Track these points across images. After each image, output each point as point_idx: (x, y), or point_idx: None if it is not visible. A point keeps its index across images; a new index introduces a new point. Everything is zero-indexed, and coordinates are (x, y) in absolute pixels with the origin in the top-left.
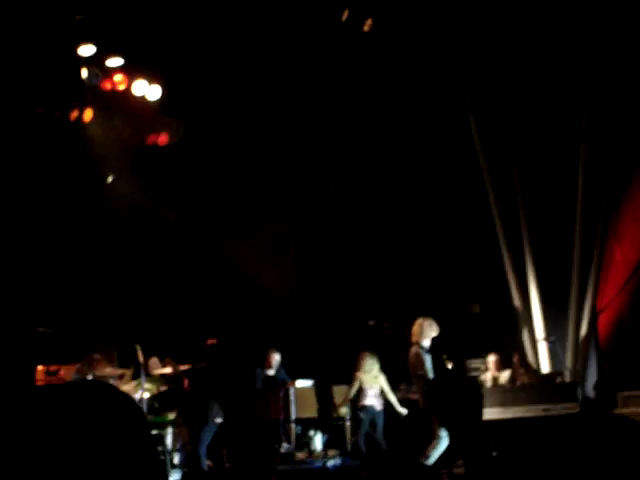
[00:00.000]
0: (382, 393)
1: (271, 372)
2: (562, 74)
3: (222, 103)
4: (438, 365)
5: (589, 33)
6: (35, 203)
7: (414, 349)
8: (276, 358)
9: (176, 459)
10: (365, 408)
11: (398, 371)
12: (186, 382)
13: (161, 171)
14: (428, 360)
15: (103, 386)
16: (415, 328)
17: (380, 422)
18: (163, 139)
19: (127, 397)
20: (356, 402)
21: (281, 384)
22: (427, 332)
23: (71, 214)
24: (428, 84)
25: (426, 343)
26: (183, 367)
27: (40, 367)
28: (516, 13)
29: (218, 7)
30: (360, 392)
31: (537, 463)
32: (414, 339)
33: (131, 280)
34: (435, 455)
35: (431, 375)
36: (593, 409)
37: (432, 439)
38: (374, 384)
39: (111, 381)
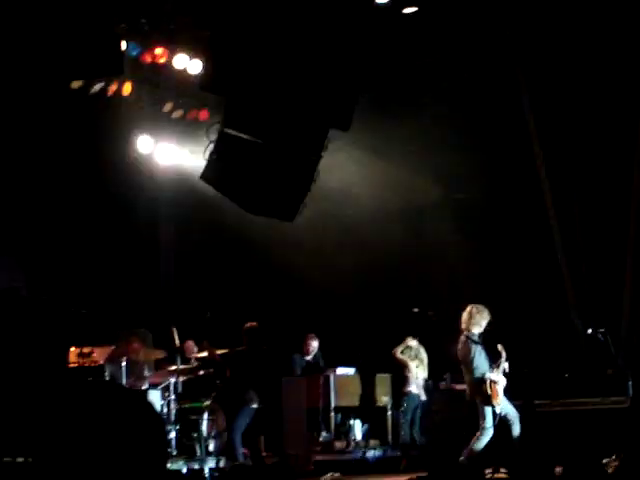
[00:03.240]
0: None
1: (308, 358)
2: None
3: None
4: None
5: None
6: (70, 180)
7: (462, 338)
8: (313, 344)
9: (211, 446)
10: (409, 395)
11: (443, 360)
12: (224, 367)
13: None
14: (477, 349)
15: (127, 391)
16: (464, 316)
17: (419, 413)
18: (204, 114)
19: (149, 406)
20: (400, 390)
21: (319, 370)
22: (477, 320)
23: (108, 192)
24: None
25: (476, 331)
26: (220, 351)
27: (73, 349)
28: None
29: None
30: (405, 380)
31: None
32: (463, 327)
33: (169, 262)
34: (478, 447)
35: (478, 364)
36: None
37: (477, 431)
38: (419, 372)
39: (145, 365)
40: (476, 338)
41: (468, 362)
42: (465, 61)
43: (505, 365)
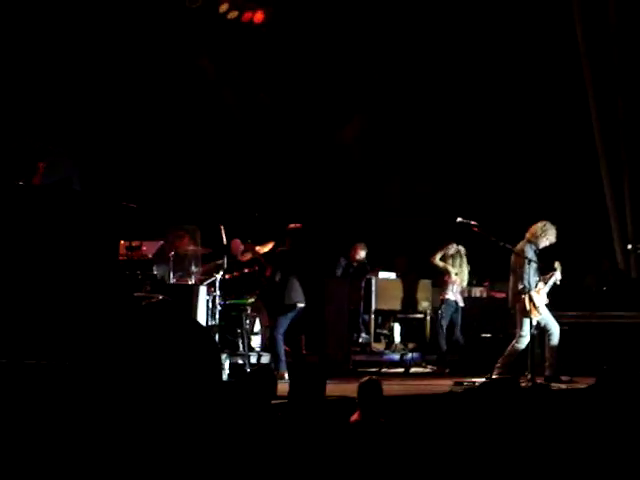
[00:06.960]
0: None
1: (354, 265)
2: None
3: None
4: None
5: None
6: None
7: (522, 244)
8: (361, 254)
9: (255, 342)
10: (446, 301)
11: (484, 269)
12: (268, 267)
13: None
14: (531, 262)
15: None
16: (536, 228)
17: (459, 318)
18: (259, 17)
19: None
20: (438, 295)
21: (362, 274)
22: (544, 236)
23: (162, 89)
24: None
25: (540, 245)
26: (264, 249)
27: (123, 242)
28: None
29: None
30: (444, 285)
31: None
32: (529, 235)
33: (220, 160)
34: (513, 355)
35: (526, 276)
36: None
37: (513, 339)
38: (458, 278)
39: (193, 261)
40: (533, 252)
41: (518, 271)
42: None
43: (556, 281)
